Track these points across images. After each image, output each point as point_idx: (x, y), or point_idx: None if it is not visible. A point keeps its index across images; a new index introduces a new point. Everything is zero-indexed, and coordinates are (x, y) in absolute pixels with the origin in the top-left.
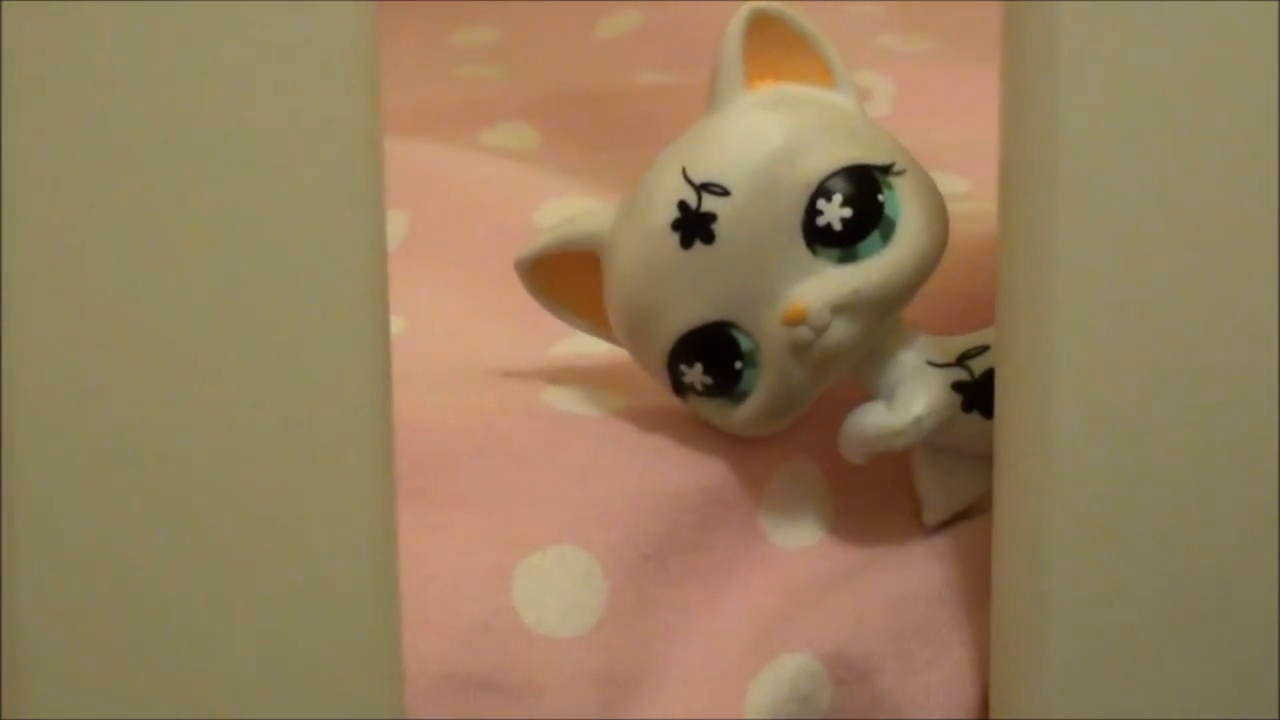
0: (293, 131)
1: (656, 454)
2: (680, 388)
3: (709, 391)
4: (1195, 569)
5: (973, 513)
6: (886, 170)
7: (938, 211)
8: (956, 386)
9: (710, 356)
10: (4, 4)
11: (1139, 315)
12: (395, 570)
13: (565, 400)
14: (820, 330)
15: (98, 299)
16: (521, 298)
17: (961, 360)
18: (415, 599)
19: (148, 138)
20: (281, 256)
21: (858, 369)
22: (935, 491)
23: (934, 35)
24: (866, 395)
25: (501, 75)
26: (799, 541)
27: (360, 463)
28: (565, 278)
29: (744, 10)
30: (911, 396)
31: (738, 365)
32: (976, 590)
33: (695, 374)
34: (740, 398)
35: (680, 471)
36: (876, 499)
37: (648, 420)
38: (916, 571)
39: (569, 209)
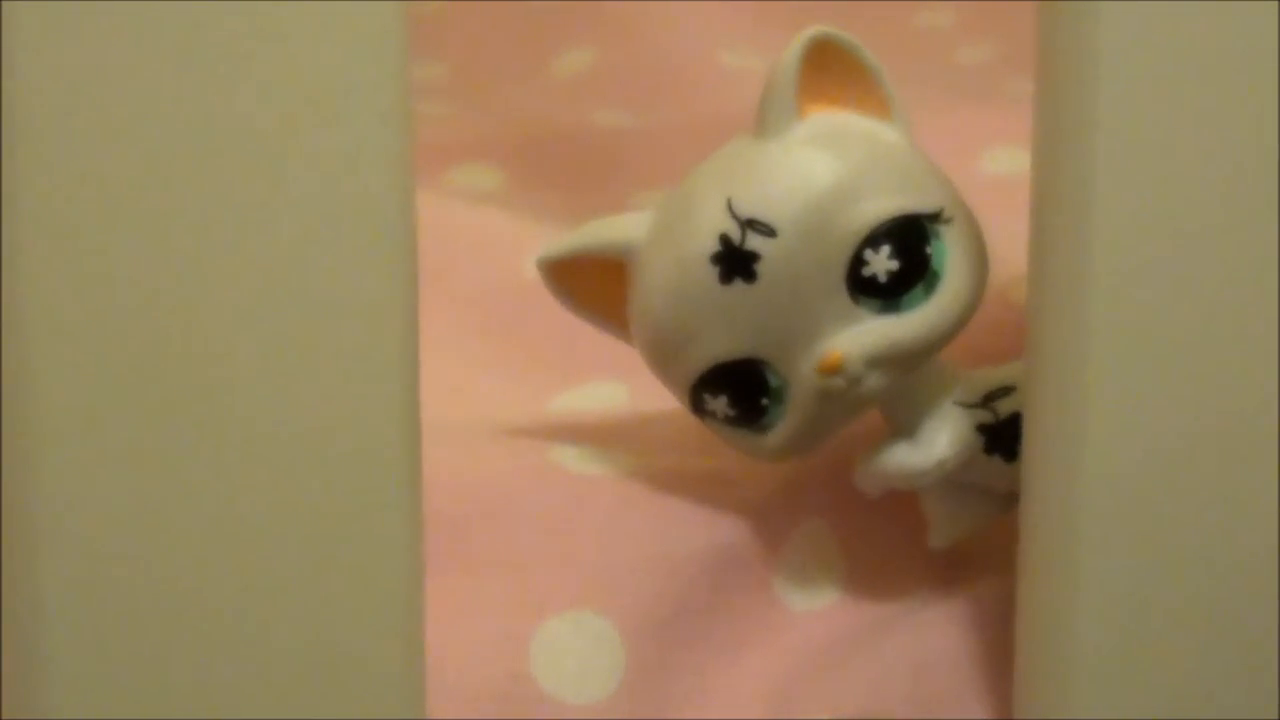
0: (329, 194)
1: (670, 516)
2: (701, 412)
3: (731, 421)
4: (1229, 612)
5: (986, 567)
6: (935, 218)
7: (980, 259)
8: (980, 428)
9: (737, 391)
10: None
11: (1178, 347)
12: (422, 637)
13: (574, 460)
14: (854, 382)
15: (129, 317)
16: (513, 351)
17: (987, 401)
18: (431, 664)
19: (180, 160)
20: (312, 307)
21: (883, 402)
22: (942, 518)
23: None
24: (886, 422)
25: (455, 113)
26: (812, 604)
27: (389, 521)
28: (587, 278)
29: (805, 34)
30: (935, 437)
31: (764, 401)
32: (994, 654)
33: (719, 404)
34: (762, 430)
35: (695, 534)
36: (888, 559)
37: (659, 481)
38: (935, 635)
39: None
